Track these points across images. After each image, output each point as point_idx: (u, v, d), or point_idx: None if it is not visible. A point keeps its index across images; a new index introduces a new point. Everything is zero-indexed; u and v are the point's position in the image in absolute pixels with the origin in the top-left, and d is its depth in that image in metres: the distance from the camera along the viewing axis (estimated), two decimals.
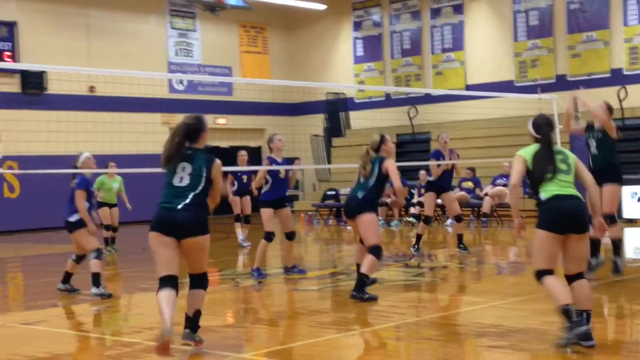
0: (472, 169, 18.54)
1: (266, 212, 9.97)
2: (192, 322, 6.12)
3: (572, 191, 5.82)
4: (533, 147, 5.98)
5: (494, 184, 17.99)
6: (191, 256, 6.04)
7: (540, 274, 5.76)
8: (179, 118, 24.05)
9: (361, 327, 7.15)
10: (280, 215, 10.09)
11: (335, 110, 25.40)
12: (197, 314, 6.13)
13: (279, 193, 10.03)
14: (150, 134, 20.68)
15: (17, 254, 15.29)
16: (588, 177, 6.03)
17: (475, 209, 18.29)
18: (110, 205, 14.22)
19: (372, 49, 25.12)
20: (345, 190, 21.52)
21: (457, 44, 23.28)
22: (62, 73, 18.63)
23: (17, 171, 17.42)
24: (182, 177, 6.05)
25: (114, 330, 7.30)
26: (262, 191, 10.11)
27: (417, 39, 24.11)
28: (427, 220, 12.34)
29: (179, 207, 5.93)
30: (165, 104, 23.23)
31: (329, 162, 24.23)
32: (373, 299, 7.99)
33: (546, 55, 21.65)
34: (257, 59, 26.01)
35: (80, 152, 9.40)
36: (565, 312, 5.58)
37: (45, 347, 6.62)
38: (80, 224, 8.85)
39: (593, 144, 8.90)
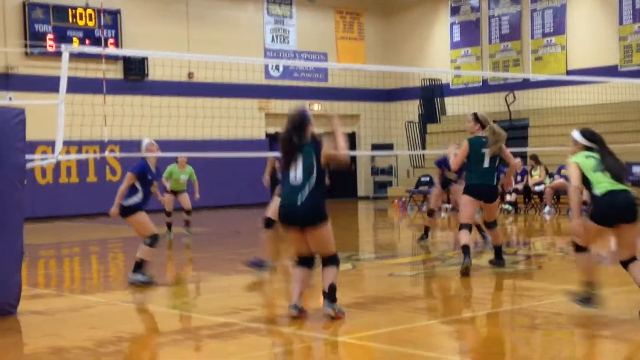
0: None
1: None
2: (329, 295, 6.56)
3: (624, 186, 6.58)
4: (584, 154, 6.67)
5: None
6: (314, 243, 6.60)
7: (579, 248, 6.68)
8: (275, 104, 24.46)
9: (457, 314, 7.06)
10: None
11: (431, 97, 25.14)
12: (332, 287, 6.57)
13: None
14: (248, 120, 20.97)
15: (117, 235, 15.76)
16: None
17: None
18: (177, 192, 14.32)
19: (469, 34, 24.70)
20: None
21: (559, 28, 22.63)
22: (162, 59, 19.06)
23: (118, 154, 17.94)
24: (297, 170, 6.57)
25: (211, 310, 7.43)
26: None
27: (516, 24, 23.57)
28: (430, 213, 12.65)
29: (299, 203, 6.51)
30: (261, 90, 23.50)
31: (424, 149, 24.02)
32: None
33: None
34: (353, 45, 25.97)
35: (143, 139, 9.27)
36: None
37: (146, 325, 6.80)
38: (136, 208, 8.65)
39: None
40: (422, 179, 21.89)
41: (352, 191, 26.30)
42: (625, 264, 6.51)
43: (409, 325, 6.44)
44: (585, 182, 6.62)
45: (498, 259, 9.37)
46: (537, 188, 18.09)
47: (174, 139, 19.59)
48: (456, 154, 9.47)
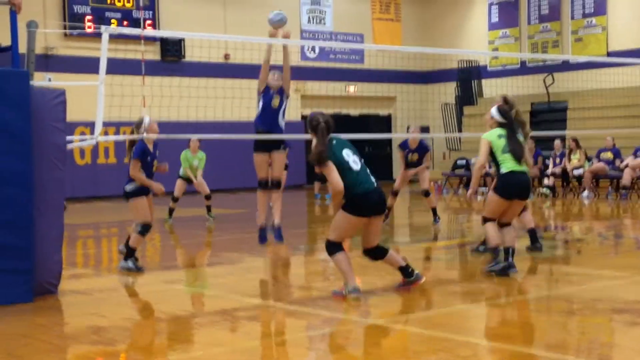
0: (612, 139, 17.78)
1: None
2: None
3: (524, 167, 7.75)
4: (497, 133, 7.74)
5: (635, 155, 17.18)
6: (376, 232, 6.87)
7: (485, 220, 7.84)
8: (310, 85, 24.27)
9: (493, 299, 7.02)
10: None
11: (468, 78, 24.91)
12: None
13: None
14: None
15: (154, 216, 15.90)
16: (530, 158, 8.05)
17: (614, 180, 17.55)
18: (190, 180, 13.79)
19: (507, 14, 24.40)
20: (475, 160, 21.12)
21: (600, 9, 22.25)
22: (199, 40, 19.12)
23: (155, 135, 18.08)
24: (355, 160, 6.74)
25: (248, 291, 7.48)
26: None
27: (556, 4, 23.22)
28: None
29: (375, 186, 6.77)
30: (297, 71, 23.40)
31: (460, 131, 23.85)
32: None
33: None
34: (389, 26, 25.80)
35: (143, 116, 8.81)
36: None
37: (183, 305, 6.87)
38: (136, 192, 8.48)
39: None
40: (459, 162, 21.75)
41: (387, 174, 26.25)
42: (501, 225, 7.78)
43: (444, 309, 6.42)
44: (494, 159, 7.75)
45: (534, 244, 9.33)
46: (575, 172, 17.86)
47: (211, 121, 19.68)
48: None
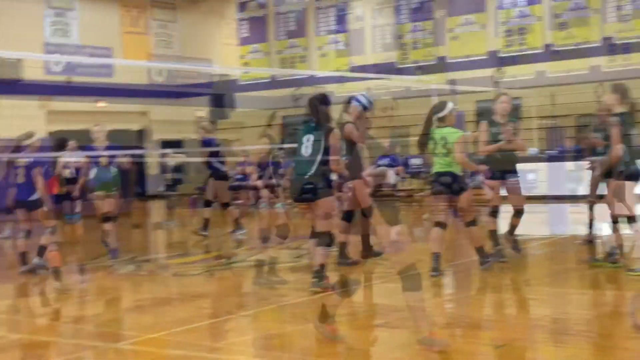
0: None
1: None
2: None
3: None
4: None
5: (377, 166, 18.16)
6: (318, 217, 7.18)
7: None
8: (56, 101, 22.69)
9: (239, 312, 7.04)
10: None
11: (221, 92, 25.12)
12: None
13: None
14: (27, 119, 19.89)
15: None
16: None
17: None
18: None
19: (257, 30, 24.96)
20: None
21: (341, 26, 23.39)
22: None
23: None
24: (307, 146, 7.18)
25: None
26: None
27: (302, 21, 24.09)
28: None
29: (307, 176, 7.11)
30: (41, 86, 22.33)
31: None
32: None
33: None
34: (139, 39, 25.37)
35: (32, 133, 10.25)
36: None
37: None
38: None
39: None
40: None
41: (140, 189, 25.76)
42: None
43: (188, 326, 6.33)
44: None
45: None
46: None
47: None
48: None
